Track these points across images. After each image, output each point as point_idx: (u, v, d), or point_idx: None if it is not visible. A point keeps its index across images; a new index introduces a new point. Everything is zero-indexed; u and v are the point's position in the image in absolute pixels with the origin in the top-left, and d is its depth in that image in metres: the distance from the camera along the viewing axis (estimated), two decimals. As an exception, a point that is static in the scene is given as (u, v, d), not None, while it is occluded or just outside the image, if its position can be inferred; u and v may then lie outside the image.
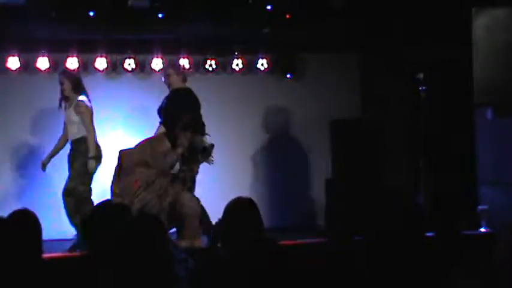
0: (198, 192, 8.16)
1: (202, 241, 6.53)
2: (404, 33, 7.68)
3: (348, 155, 8.08)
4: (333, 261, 3.47)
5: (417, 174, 7.41)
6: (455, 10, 7.23)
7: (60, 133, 7.12)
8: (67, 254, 6.05)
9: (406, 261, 2.78)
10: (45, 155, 7.18)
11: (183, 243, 6.07)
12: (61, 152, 7.15)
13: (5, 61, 7.84)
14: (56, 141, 7.15)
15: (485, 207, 7.11)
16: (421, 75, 7.29)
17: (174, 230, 7.78)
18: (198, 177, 6.98)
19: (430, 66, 7.50)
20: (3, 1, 6.97)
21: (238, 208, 3.60)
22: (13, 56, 7.85)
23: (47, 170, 7.20)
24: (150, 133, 7.08)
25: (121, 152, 6.59)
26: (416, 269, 2.76)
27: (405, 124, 7.99)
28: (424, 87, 7.28)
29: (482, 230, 6.99)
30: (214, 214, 3.68)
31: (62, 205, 6.70)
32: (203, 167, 6.84)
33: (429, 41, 7.55)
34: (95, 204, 5.55)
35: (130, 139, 7.41)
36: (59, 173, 7.64)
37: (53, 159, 7.20)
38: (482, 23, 7.06)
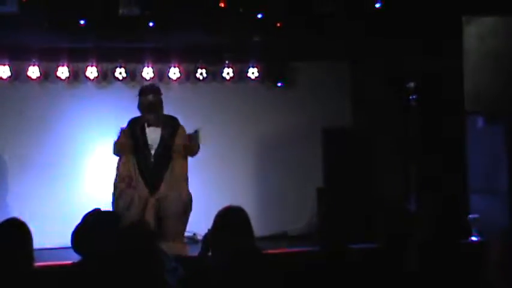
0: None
1: (187, 247, 6.50)
2: (395, 41, 7.70)
3: (339, 163, 8.10)
4: (325, 268, 3.46)
5: (408, 183, 7.42)
6: (446, 18, 7.26)
7: (51, 142, 7.11)
8: (59, 263, 6.01)
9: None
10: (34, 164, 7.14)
11: (164, 246, 6.04)
12: (55, 161, 7.15)
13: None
14: (46, 150, 7.12)
15: (476, 215, 7.11)
16: (411, 84, 7.30)
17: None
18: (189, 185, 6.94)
19: (421, 74, 7.52)
20: (-6, 9, 6.96)
21: (228, 217, 3.59)
22: (3, 65, 7.83)
23: (39, 179, 7.16)
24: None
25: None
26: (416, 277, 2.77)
27: (396, 133, 8.00)
28: (414, 96, 7.29)
29: (473, 238, 7.00)
30: (205, 223, 3.67)
31: (52, 214, 6.66)
32: (190, 176, 6.80)
33: (420, 49, 7.58)
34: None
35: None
36: (51, 181, 7.64)
37: (47, 169, 7.18)
38: (473, 31, 7.09)
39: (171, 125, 6.58)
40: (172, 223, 6.44)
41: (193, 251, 6.66)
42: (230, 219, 3.57)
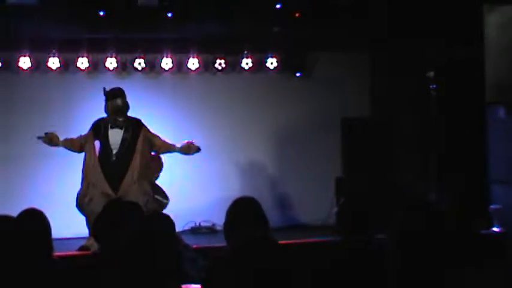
0: (207, 191, 8.19)
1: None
2: (415, 31, 7.64)
3: (358, 153, 8.07)
4: (345, 259, 3.45)
5: (428, 173, 7.37)
6: (467, 7, 7.18)
7: (71, 131, 7.16)
8: (78, 252, 6.05)
9: (428, 260, 2.77)
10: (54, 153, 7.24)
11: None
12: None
13: (17, 60, 7.88)
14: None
15: (497, 206, 7.06)
16: (431, 74, 7.24)
17: (185, 228, 7.81)
18: (209, 175, 6.97)
19: (441, 64, 7.45)
20: (15, 1, 7.00)
21: (239, 207, 3.60)
22: (24, 56, 7.88)
23: (58, 169, 7.20)
24: (158, 131, 7.08)
25: None
26: (437, 267, 2.75)
27: (416, 122, 7.95)
28: (434, 86, 7.23)
29: (495, 229, 6.94)
30: (224, 213, 3.67)
31: (71, 204, 6.72)
32: (211, 166, 6.81)
33: (440, 38, 7.51)
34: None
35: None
36: (71, 171, 7.67)
37: (67, 159, 7.24)
38: (494, 20, 7.00)
39: (133, 128, 6.68)
40: None
41: (211, 242, 6.69)
42: (242, 210, 3.57)
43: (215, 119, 8.35)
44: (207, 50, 8.31)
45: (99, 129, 6.69)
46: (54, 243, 3.68)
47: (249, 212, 3.53)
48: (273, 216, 3.70)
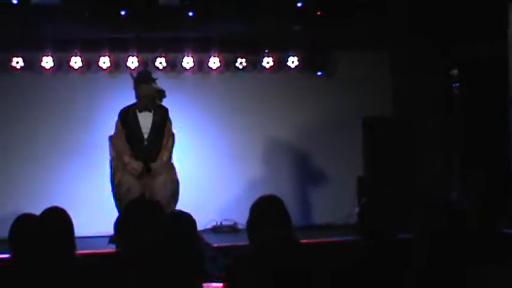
0: (229, 190, 8.20)
1: None
2: (438, 28, 7.59)
3: (380, 152, 8.03)
4: (365, 258, 3.44)
5: (450, 172, 7.32)
6: (491, 5, 7.12)
7: (94, 129, 7.25)
8: (100, 251, 6.09)
9: (450, 259, 2.76)
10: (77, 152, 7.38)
11: None
12: (98, 149, 7.31)
13: (40, 60, 7.94)
14: (88, 138, 7.31)
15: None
16: (454, 71, 7.19)
17: (207, 227, 7.82)
18: (230, 174, 6.99)
19: (464, 61, 7.40)
20: (38, 1, 7.06)
21: (263, 206, 3.60)
22: (47, 55, 7.94)
23: (82, 168, 7.27)
24: (180, 129, 7.10)
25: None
26: (459, 266, 2.74)
27: (438, 121, 7.90)
28: (457, 83, 7.18)
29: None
30: (246, 212, 3.68)
31: (95, 202, 6.79)
32: (232, 165, 6.84)
33: (463, 36, 7.45)
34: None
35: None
36: (95, 170, 7.74)
37: (88, 158, 7.32)
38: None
39: (161, 113, 6.76)
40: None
41: (233, 240, 6.71)
42: (265, 208, 3.57)
43: (236, 118, 8.36)
44: (228, 49, 8.31)
45: (127, 115, 6.74)
46: (77, 242, 3.71)
47: (273, 210, 3.53)
48: (294, 216, 3.68)
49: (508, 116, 7.37)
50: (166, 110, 6.82)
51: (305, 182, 8.54)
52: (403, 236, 3.43)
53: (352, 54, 8.61)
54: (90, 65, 8.14)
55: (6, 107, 8.00)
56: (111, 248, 5.86)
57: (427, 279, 2.82)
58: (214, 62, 8.29)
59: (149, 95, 6.69)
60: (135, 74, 6.88)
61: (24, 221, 3.67)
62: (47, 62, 7.96)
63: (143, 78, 6.77)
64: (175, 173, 6.76)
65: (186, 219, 3.63)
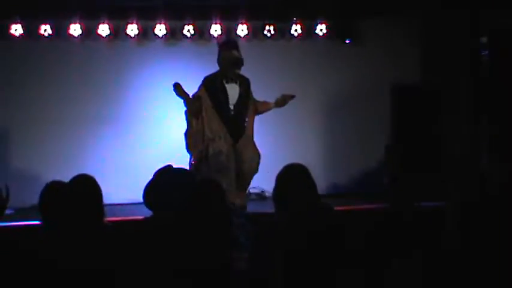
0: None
1: (247, 198, 6.58)
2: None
3: (408, 120, 7.97)
4: (395, 226, 3.43)
5: (479, 141, 7.25)
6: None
7: (124, 98, 7.23)
8: (130, 218, 6.14)
9: (483, 229, 2.76)
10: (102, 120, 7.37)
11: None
12: (128, 118, 7.34)
13: (67, 28, 7.96)
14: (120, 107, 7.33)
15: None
16: (484, 39, 7.08)
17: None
18: (258, 143, 6.96)
19: (494, 30, 7.28)
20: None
21: (288, 174, 3.61)
22: (75, 23, 7.96)
23: (111, 134, 7.29)
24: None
25: None
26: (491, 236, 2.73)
27: (468, 89, 7.80)
28: (486, 52, 7.08)
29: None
30: (273, 180, 3.68)
31: (123, 170, 6.82)
32: (259, 133, 6.82)
33: (493, 4, 7.32)
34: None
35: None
36: (124, 137, 7.80)
37: (117, 125, 7.37)
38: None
39: (245, 85, 6.56)
40: (243, 178, 6.49)
41: (260, 208, 6.72)
42: (292, 176, 3.58)
43: (264, 86, 8.29)
44: (256, 17, 8.26)
45: (213, 84, 6.45)
46: (106, 209, 3.74)
47: (300, 178, 3.54)
48: (320, 184, 3.69)
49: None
50: (248, 81, 6.59)
51: (333, 150, 8.52)
52: (432, 205, 3.42)
53: (380, 21, 8.51)
54: (117, 32, 8.13)
55: (41, 73, 8.02)
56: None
57: (461, 250, 2.81)
58: (242, 30, 8.24)
59: (234, 61, 6.39)
60: (221, 41, 6.65)
61: (53, 189, 3.71)
62: (75, 29, 7.97)
63: (225, 45, 6.54)
64: (255, 145, 6.62)
65: (216, 187, 3.65)
